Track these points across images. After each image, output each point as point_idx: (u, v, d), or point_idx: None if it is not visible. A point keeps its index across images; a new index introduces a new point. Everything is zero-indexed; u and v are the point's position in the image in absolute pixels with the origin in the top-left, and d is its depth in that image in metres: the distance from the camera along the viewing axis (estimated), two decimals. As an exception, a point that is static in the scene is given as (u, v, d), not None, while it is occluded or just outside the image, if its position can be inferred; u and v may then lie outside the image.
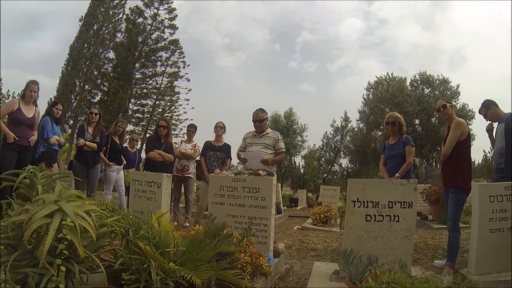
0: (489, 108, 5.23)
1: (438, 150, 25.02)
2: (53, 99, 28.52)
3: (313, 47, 78.75)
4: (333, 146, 30.79)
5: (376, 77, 30.69)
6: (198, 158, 7.68)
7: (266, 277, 3.60)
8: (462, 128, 4.45)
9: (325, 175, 30.25)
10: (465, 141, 4.48)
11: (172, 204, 7.01)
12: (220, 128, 7.31)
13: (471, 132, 5.67)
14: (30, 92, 5.77)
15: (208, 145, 7.24)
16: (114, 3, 34.50)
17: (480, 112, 5.45)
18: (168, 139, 7.26)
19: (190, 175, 7.83)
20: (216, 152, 7.14)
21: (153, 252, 2.12)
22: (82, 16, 33.18)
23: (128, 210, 5.71)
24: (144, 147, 8.01)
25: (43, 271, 1.93)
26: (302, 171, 27.69)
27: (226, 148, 7.30)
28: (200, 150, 7.49)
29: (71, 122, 31.03)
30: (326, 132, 31.34)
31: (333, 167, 31.12)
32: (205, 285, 2.55)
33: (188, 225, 7.46)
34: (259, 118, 5.84)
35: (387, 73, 29.77)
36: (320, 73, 77.08)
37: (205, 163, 7.10)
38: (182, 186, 7.99)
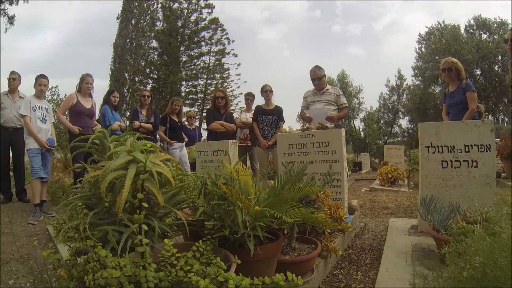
0: None
1: (506, 102, 23.28)
2: None
3: (354, 8, 76.36)
4: (390, 106, 30.00)
5: (427, 27, 29.17)
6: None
7: (343, 233, 3.49)
8: None
9: (386, 137, 29.39)
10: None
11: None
12: (269, 92, 7.12)
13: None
14: (86, 84, 6.09)
15: (259, 110, 7.11)
16: None
17: None
18: (227, 110, 7.17)
19: None
20: (268, 116, 7.00)
21: (238, 194, 1.97)
22: (118, 14, 34.54)
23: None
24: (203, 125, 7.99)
25: (122, 228, 1.89)
26: (362, 134, 26.98)
27: (278, 111, 7.14)
28: None
29: (128, 114, 32.08)
30: (382, 93, 30.72)
31: (393, 129, 30.19)
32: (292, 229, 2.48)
33: None
34: (317, 76, 5.74)
35: (438, 22, 28.11)
36: (366, 34, 74.74)
37: (258, 128, 6.97)
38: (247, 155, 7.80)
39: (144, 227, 1.70)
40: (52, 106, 16.98)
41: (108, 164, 1.77)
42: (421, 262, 2.72)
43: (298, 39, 77.61)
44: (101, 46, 69.19)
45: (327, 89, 5.76)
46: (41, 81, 5.89)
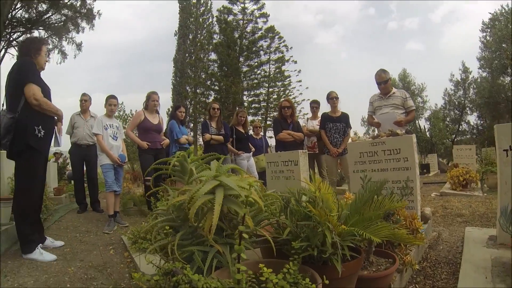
0: None
1: None
2: (169, 110, 31.26)
3: (409, 1, 73.71)
4: (456, 102, 28.46)
5: (490, 13, 27.42)
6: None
7: (417, 245, 3.36)
8: None
9: (453, 136, 27.98)
10: None
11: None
12: (335, 99, 7.12)
13: None
14: (152, 102, 6.47)
15: (326, 117, 7.10)
16: (201, 11, 36.31)
17: None
18: (294, 118, 7.24)
19: None
20: (335, 123, 6.99)
21: (326, 215, 2.00)
22: (175, 31, 35.87)
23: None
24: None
25: (207, 248, 2.00)
26: (428, 134, 25.85)
27: (345, 118, 7.14)
28: None
29: (192, 125, 33.08)
30: (446, 88, 29.34)
31: (460, 126, 28.66)
32: (369, 244, 2.49)
33: None
34: (383, 80, 5.66)
35: (502, 6, 26.34)
36: (424, 27, 72.28)
37: (326, 135, 6.96)
38: (315, 163, 7.85)
39: (243, 255, 1.74)
40: (119, 121, 18.06)
41: (195, 189, 1.85)
42: (502, 279, 2.58)
43: (354, 40, 76.73)
44: (160, 61, 72.64)
45: (393, 93, 5.68)
46: (111, 101, 6.28)
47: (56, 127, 4.35)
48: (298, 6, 69.35)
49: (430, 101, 28.83)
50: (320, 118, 7.45)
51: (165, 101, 38.11)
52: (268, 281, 1.62)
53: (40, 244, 4.11)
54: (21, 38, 14.01)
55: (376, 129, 5.78)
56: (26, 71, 3.90)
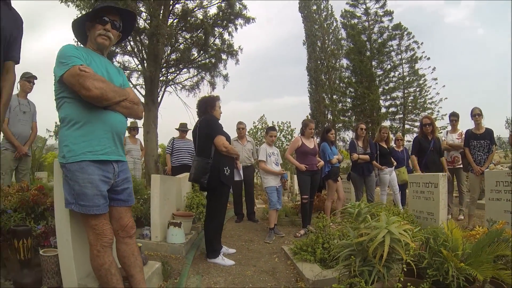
0: None
1: None
2: (308, 117, 32.60)
3: None
4: None
5: None
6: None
7: None
8: None
9: None
10: None
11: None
12: (477, 116, 7.26)
13: None
14: (309, 130, 7.21)
15: (470, 135, 7.34)
16: (324, 16, 36.66)
17: None
18: (434, 135, 7.63)
19: (461, 166, 7.90)
20: (480, 141, 7.16)
21: (451, 256, 2.91)
22: (303, 40, 37.27)
23: (406, 208, 6.89)
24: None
25: (372, 269, 2.90)
26: None
27: (489, 134, 7.24)
28: None
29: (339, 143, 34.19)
30: None
31: None
32: (484, 282, 3.14)
33: (463, 217, 7.73)
34: None
35: None
36: None
37: (470, 153, 7.18)
38: (455, 178, 8.11)
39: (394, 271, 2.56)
40: (263, 133, 19.48)
41: (373, 234, 2.82)
42: None
43: (490, 12, 67.54)
44: (290, 65, 74.09)
45: None
46: (271, 133, 7.37)
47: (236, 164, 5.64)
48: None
49: None
50: (459, 131, 7.80)
51: (304, 103, 39.11)
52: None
53: (222, 251, 5.32)
54: (177, 77, 16.59)
55: None
56: (214, 126, 5.15)
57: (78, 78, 2.49)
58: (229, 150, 5.05)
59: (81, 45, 2.99)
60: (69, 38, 21.68)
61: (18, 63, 2.67)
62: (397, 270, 2.96)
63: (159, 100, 15.00)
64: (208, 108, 5.27)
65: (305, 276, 4.17)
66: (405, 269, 2.88)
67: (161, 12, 13.90)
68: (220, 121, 5.31)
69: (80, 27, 2.92)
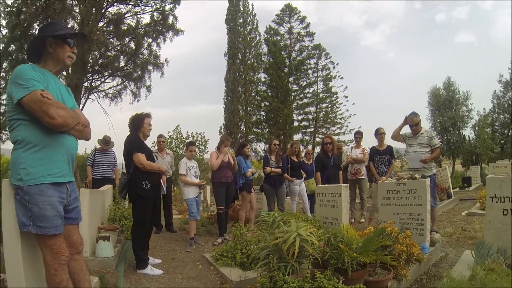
0: None
1: None
2: (222, 127, 33.14)
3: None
4: (505, 105, 26.68)
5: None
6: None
7: (419, 263, 4.74)
8: None
9: (502, 141, 26.53)
10: None
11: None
12: (382, 134, 8.55)
13: None
14: (225, 147, 7.64)
15: (373, 151, 8.63)
16: (248, 29, 37.93)
17: None
18: (334, 152, 8.80)
19: (363, 177, 9.08)
20: (382, 156, 8.45)
21: (346, 249, 3.73)
22: (225, 52, 38.02)
23: (314, 216, 7.66)
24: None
25: (287, 264, 3.54)
26: (471, 144, 24.54)
27: (390, 150, 8.56)
28: (368, 154, 8.71)
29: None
30: (495, 91, 27.74)
31: (510, 131, 26.87)
32: (372, 265, 4.04)
33: (364, 220, 8.86)
34: (414, 123, 6.74)
35: None
36: (474, 16, 69.32)
37: (374, 167, 8.43)
38: (357, 187, 9.25)
39: (304, 266, 3.22)
40: (177, 143, 19.48)
41: (286, 236, 3.44)
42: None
43: (402, 38, 75.19)
44: (208, 74, 74.67)
45: (421, 133, 6.74)
46: (191, 148, 7.87)
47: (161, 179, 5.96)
48: (343, 8, 68.32)
49: (477, 106, 27.67)
50: (362, 147, 9.02)
51: (217, 114, 39.70)
52: (320, 279, 3.34)
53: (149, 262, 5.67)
54: (100, 86, 16.35)
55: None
56: (133, 144, 5.50)
57: (41, 105, 2.54)
58: (145, 166, 5.33)
59: (35, 65, 2.86)
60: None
61: None
62: (307, 263, 3.63)
63: (81, 108, 14.51)
64: (135, 126, 5.59)
65: (230, 278, 4.73)
66: (312, 261, 3.62)
67: (93, 14, 13.78)
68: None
69: (40, 44, 2.88)
